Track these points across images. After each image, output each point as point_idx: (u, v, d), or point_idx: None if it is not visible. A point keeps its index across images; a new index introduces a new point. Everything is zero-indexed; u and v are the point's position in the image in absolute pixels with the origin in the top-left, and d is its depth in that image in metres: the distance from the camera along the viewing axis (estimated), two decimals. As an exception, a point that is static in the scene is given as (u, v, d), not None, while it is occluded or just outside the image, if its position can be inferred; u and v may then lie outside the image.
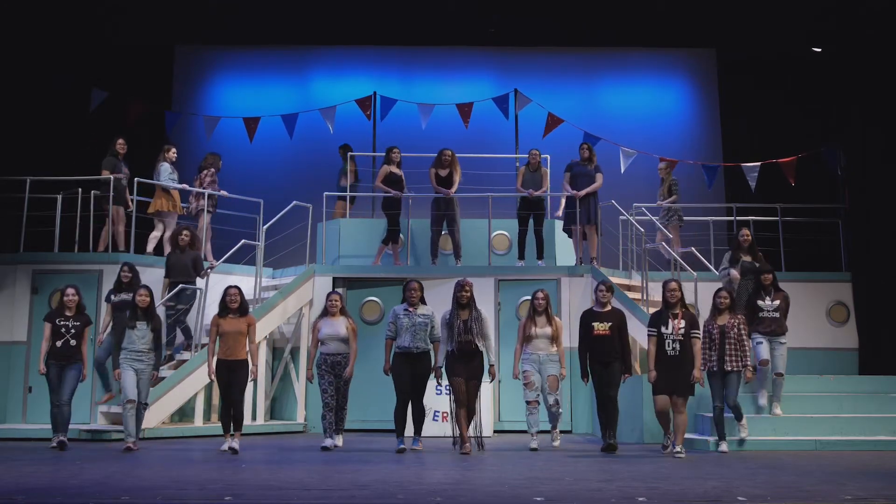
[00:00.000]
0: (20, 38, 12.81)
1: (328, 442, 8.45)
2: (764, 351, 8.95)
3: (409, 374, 8.28)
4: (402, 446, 8.22)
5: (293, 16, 14.31)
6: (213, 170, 11.75)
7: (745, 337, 8.28)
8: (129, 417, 8.29)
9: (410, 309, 8.40)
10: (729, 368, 8.17)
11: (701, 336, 8.13)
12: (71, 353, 8.53)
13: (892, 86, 11.63)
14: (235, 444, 8.25)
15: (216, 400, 9.98)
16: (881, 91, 11.80)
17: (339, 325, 8.61)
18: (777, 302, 9.07)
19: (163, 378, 9.70)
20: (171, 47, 15.25)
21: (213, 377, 8.38)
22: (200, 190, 11.56)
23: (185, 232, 10.28)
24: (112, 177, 10.71)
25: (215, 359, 8.30)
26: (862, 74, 12.29)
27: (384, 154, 11.76)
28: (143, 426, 8.66)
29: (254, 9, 14.13)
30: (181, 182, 11.50)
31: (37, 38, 13.13)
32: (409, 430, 8.47)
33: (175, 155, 11.48)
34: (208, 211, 11.58)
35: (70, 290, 8.74)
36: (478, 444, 8.33)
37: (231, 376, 8.30)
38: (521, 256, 11.42)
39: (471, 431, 8.23)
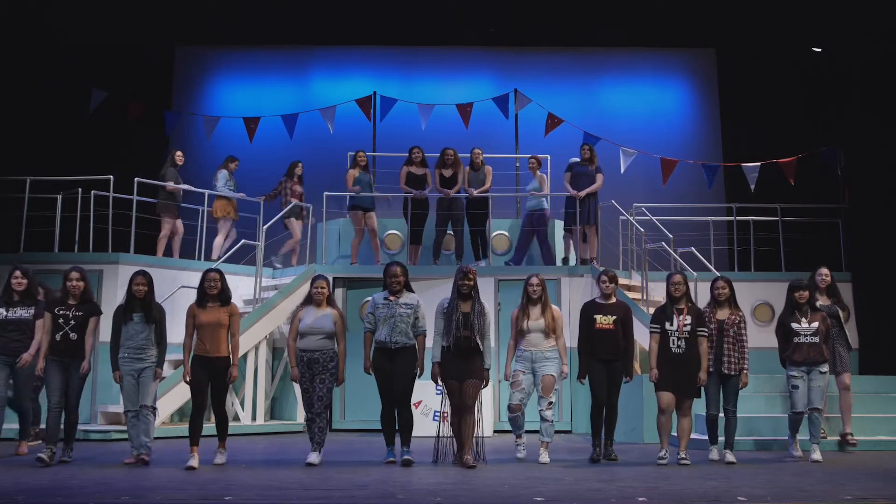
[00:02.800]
0: (20, 38, 12.81)
1: (313, 457, 7.25)
2: (799, 399, 7.67)
3: (388, 373, 7.29)
4: (392, 458, 7.30)
5: (293, 16, 14.32)
6: (285, 178, 12.01)
7: (744, 336, 7.59)
8: (131, 428, 7.25)
9: (391, 298, 7.36)
10: (727, 371, 7.51)
11: (707, 334, 7.45)
12: (71, 348, 7.23)
13: (892, 86, 11.63)
14: (221, 458, 7.18)
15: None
16: (881, 91, 11.81)
17: (325, 318, 7.34)
18: (815, 324, 7.71)
19: (164, 377, 9.67)
20: (171, 47, 15.26)
21: (187, 379, 7.14)
22: (199, 190, 11.58)
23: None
24: (182, 187, 11.42)
25: (192, 356, 7.17)
26: (862, 74, 12.30)
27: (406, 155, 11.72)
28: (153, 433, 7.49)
29: (254, 9, 14.15)
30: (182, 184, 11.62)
31: (37, 38, 13.13)
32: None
33: (235, 165, 11.87)
34: (297, 218, 11.88)
35: (74, 275, 7.38)
36: (473, 455, 7.22)
37: (210, 376, 7.13)
38: (478, 257, 11.41)
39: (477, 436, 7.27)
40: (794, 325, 7.73)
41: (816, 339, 7.68)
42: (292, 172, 12.04)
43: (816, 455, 7.61)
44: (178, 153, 11.66)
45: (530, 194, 11.40)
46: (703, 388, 7.51)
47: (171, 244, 11.43)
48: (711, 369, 7.48)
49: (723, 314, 7.63)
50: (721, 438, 7.71)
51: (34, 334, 7.47)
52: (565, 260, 11.51)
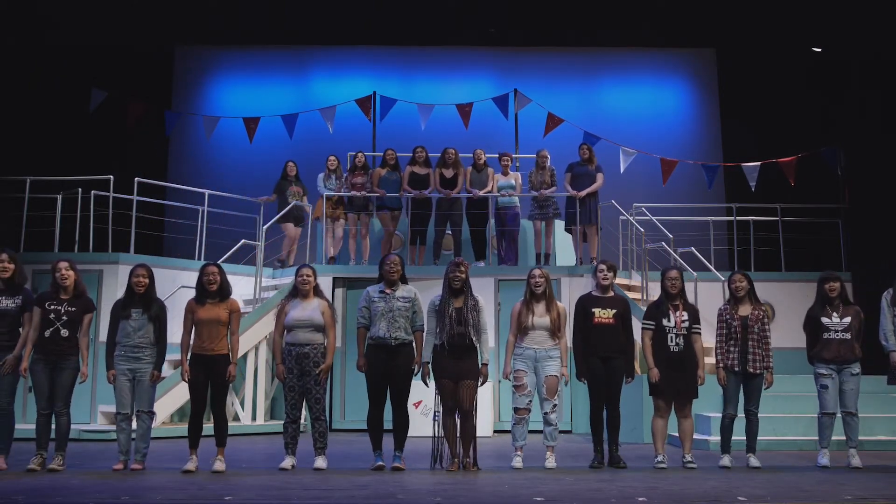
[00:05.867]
0: (20, 39, 12.82)
1: (286, 462, 6.89)
2: (830, 399, 7.26)
3: (384, 372, 6.86)
4: (381, 462, 6.88)
5: (293, 16, 14.32)
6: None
7: (768, 332, 7.19)
8: (119, 432, 6.89)
9: (387, 290, 6.94)
10: (752, 370, 7.09)
11: (702, 331, 7.20)
12: (62, 347, 6.72)
13: (892, 86, 11.64)
14: (220, 465, 6.75)
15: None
16: (881, 91, 11.82)
17: (313, 309, 6.93)
18: (847, 319, 7.30)
19: (163, 378, 9.65)
20: (171, 47, 15.27)
21: (186, 378, 6.80)
22: (199, 190, 11.58)
23: None
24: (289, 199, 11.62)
25: (190, 354, 6.81)
26: (862, 74, 12.30)
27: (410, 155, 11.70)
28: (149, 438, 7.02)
29: (254, 9, 14.15)
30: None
31: (37, 38, 13.14)
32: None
33: (333, 163, 11.62)
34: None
35: (62, 265, 6.83)
36: (472, 460, 6.89)
37: (209, 375, 6.77)
38: (477, 257, 11.42)
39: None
40: (824, 320, 7.29)
41: (848, 336, 7.25)
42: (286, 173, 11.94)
43: (856, 461, 7.13)
44: (290, 164, 11.81)
45: (508, 194, 11.36)
46: (722, 388, 7.19)
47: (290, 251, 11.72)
48: (737, 368, 7.12)
49: (745, 310, 7.19)
50: (716, 440, 7.48)
51: (20, 328, 6.82)
52: (546, 257, 11.45)
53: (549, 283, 7.28)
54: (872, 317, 11.50)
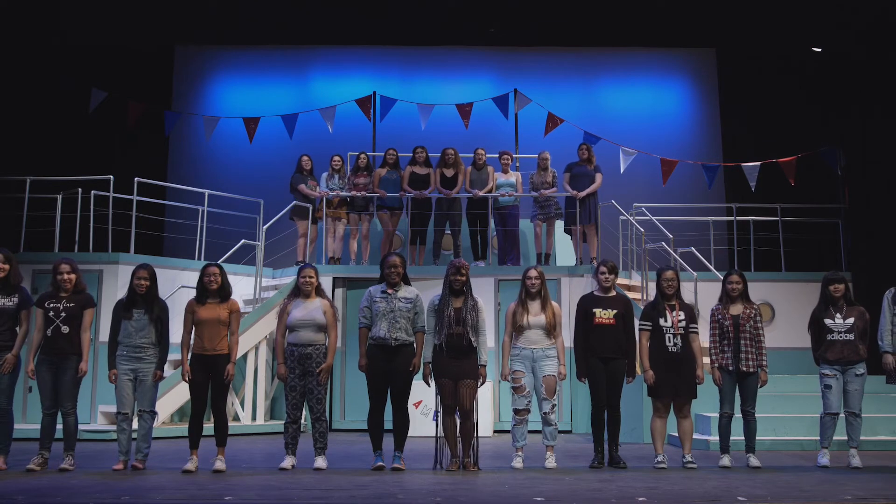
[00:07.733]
0: (21, 38, 12.82)
1: (286, 462, 6.92)
2: (834, 399, 7.27)
3: (385, 373, 6.87)
4: (381, 462, 6.88)
5: (293, 16, 14.32)
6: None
7: (761, 331, 7.19)
8: (120, 432, 6.90)
9: (389, 291, 6.95)
10: (745, 369, 7.09)
11: (699, 331, 7.20)
12: (63, 344, 6.74)
13: (892, 85, 11.65)
14: (221, 464, 6.77)
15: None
16: (881, 91, 11.82)
17: (315, 309, 6.97)
18: (851, 320, 7.29)
19: (164, 378, 9.65)
20: (171, 47, 15.26)
21: (186, 378, 6.84)
22: (199, 190, 11.57)
23: None
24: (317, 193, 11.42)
25: (190, 354, 6.84)
26: (862, 74, 12.30)
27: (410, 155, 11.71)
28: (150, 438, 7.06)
29: (254, 9, 14.15)
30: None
31: (37, 38, 13.14)
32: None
33: (337, 163, 11.59)
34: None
35: (64, 267, 6.86)
36: (473, 460, 6.92)
37: (210, 376, 6.81)
38: (477, 257, 11.44)
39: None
40: (828, 322, 7.30)
41: (852, 337, 7.25)
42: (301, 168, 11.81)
43: (856, 461, 7.11)
44: (305, 157, 11.67)
45: (509, 195, 11.37)
46: (718, 388, 7.20)
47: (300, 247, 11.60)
48: (731, 367, 7.13)
49: (736, 309, 7.22)
50: (716, 440, 7.45)
51: (19, 328, 6.85)
52: (546, 257, 11.45)
53: (545, 283, 7.25)
54: (872, 319, 11.53)
